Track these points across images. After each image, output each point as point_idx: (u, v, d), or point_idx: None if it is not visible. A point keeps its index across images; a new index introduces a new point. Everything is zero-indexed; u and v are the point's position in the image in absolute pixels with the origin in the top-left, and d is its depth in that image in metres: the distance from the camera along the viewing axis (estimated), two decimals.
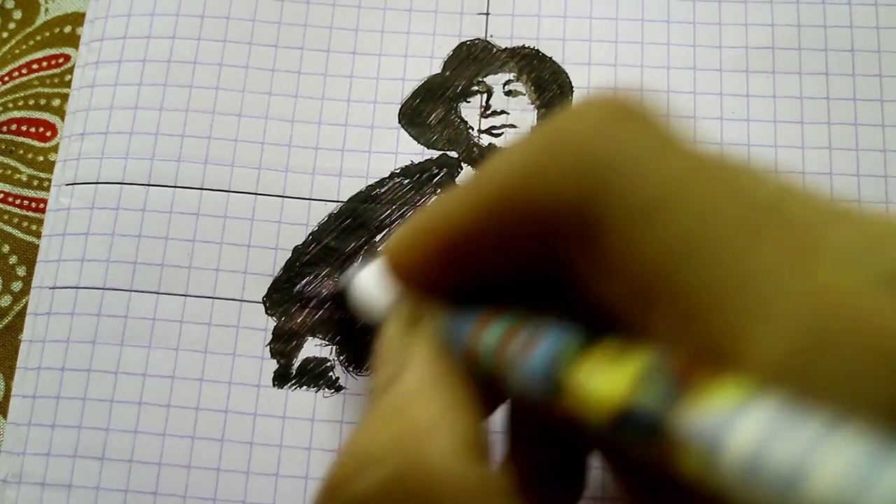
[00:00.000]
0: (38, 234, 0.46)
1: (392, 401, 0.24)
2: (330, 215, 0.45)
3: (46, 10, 0.50)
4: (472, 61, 0.47)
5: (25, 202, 0.47)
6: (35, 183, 0.47)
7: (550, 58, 0.46)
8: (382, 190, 0.45)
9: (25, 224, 0.46)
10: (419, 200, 0.45)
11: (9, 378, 0.44)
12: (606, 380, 0.19)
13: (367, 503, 0.22)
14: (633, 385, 0.19)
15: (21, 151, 0.48)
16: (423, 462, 0.22)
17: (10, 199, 0.47)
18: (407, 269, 0.27)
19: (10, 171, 0.47)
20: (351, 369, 0.43)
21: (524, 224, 0.23)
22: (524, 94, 0.46)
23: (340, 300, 0.42)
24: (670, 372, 0.18)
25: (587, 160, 0.21)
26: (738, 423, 0.16)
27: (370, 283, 0.34)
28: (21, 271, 0.46)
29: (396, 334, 0.27)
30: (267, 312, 0.44)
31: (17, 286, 0.46)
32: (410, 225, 0.26)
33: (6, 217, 0.47)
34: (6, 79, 0.49)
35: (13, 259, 0.46)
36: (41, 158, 0.47)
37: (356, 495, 0.22)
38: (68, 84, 0.48)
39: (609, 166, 0.21)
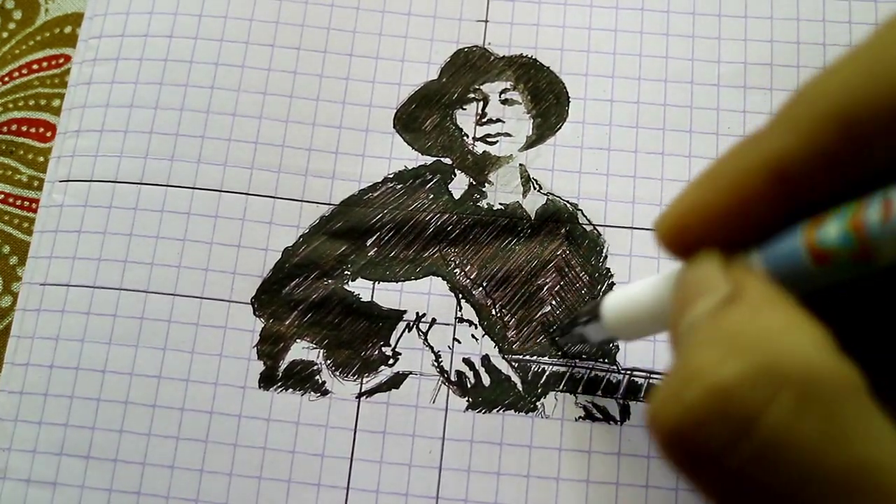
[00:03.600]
0: None
1: (740, 314, 0.24)
2: (321, 218, 0.45)
3: (46, 10, 0.50)
4: (469, 68, 0.47)
5: (26, 203, 0.47)
6: (35, 184, 0.47)
7: (548, 67, 0.46)
8: (375, 194, 0.45)
9: (26, 225, 0.46)
10: (411, 206, 0.45)
11: None
12: None
13: (738, 387, 0.22)
14: None
15: (21, 152, 0.48)
16: (798, 352, 0.22)
17: (11, 200, 0.47)
18: (709, 228, 0.27)
19: (10, 172, 0.47)
20: (338, 373, 0.43)
21: (888, 123, 0.24)
22: (520, 103, 0.46)
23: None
24: None
25: None
26: None
27: (631, 299, 0.33)
28: (22, 272, 0.46)
29: (714, 268, 0.27)
30: (255, 314, 0.44)
31: (17, 287, 0.45)
32: (706, 182, 0.27)
33: (6, 218, 0.47)
34: (6, 79, 0.49)
35: (13, 260, 0.46)
36: (41, 159, 0.47)
37: (726, 378, 0.22)
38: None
39: None
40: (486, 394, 0.42)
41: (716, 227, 0.27)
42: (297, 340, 0.43)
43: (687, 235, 0.28)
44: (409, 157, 0.45)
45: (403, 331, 0.43)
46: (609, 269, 0.44)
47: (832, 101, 0.24)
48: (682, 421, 0.23)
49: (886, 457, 0.22)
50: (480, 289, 0.44)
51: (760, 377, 0.22)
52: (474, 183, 0.45)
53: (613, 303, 0.35)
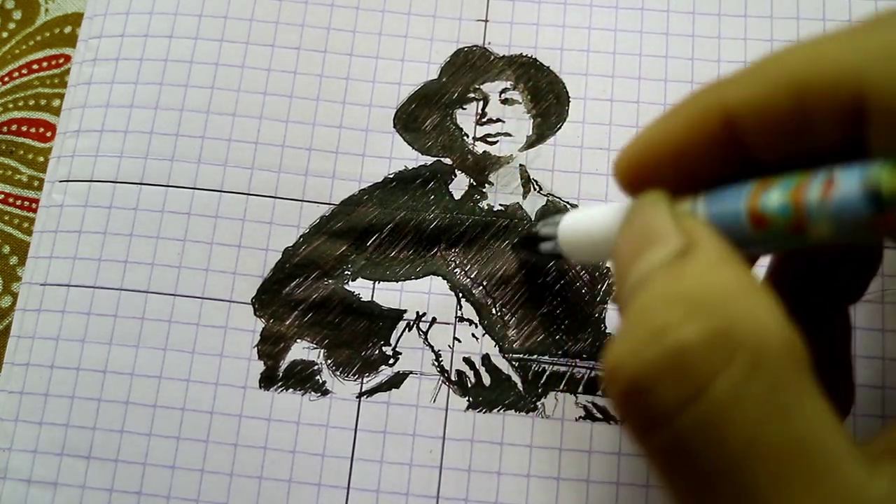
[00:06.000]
0: None
1: (696, 271, 0.25)
2: (322, 218, 0.45)
3: (46, 10, 0.50)
4: (469, 68, 0.47)
5: (26, 203, 0.47)
6: (35, 184, 0.47)
7: (548, 67, 0.46)
8: (375, 194, 0.45)
9: (26, 225, 0.46)
10: (411, 206, 0.45)
11: None
12: None
13: (691, 353, 0.23)
14: None
15: (21, 152, 0.48)
16: (752, 317, 0.23)
17: (11, 200, 0.47)
18: (660, 164, 0.28)
19: (10, 172, 0.47)
20: (338, 373, 0.43)
21: (835, 103, 0.25)
22: (520, 103, 0.46)
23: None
24: None
25: None
26: None
27: (586, 220, 0.34)
28: (22, 272, 0.46)
29: (665, 216, 0.27)
30: (255, 314, 0.44)
31: (17, 287, 0.45)
32: (665, 118, 0.28)
33: (7, 218, 0.47)
34: (6, 79, 0.49)
35: (13, 260, 0.46)
36: (41, 159, 0.47)
37: (685, 340, 0.23)
38: None
39: None
40: (486, 393, 0.42)
41: (669, 166, 0.28)
42: (298, 340, 0.43)
43: (642, 174, 0.28)
44: (409, 157, 0.45)
45: (403, 330, 0.43)
46: (609, 267, 0.44)
47: (793, 68, 0.25)
48: (638, 377, 0.23)
49: (820, 435, 0.22)
50: (481, 288, 0.44)
51: (717, 341, 0.22)
52: (474, 184, 0.45)
53: (569, 224, 0.35)
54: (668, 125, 0.28)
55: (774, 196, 0.25)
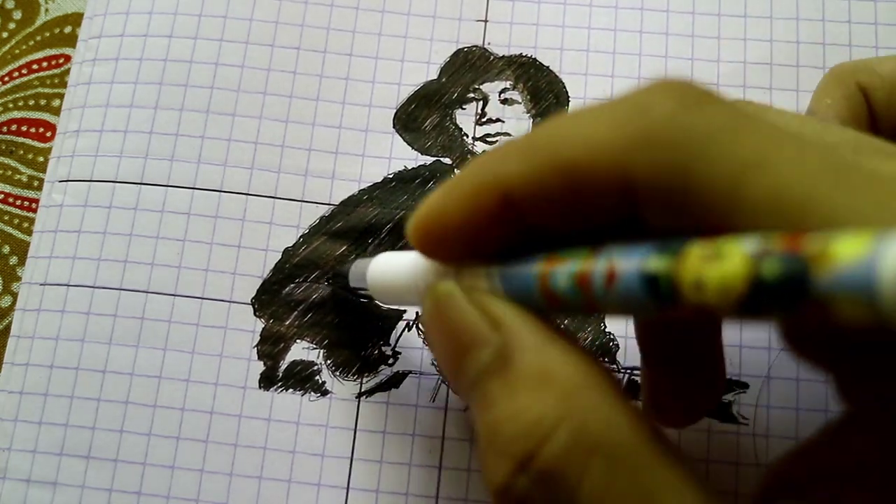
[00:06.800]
0: None
1: (526, 373, 0.25)
2: (321, 218, 0.45)
3: (46, 10, 0.50)
4: (468, 68, 0.47)
5: (26, 203, 0.47)
6: (35, 184, 0.47)
7: (547, 67, 0.46)
8: (375, 194, 0.45)
9: (26, 225, 0.46)
10: (411, 206, 0.45)
11: None
12: (721, 267, 0.20)
13: (556, 470, 0.23)
14: (752, 263, 0.19)
15: (21, 152, 0.48)
16: (597, 414, 0.24)
17: (11, 200, 0.47)
18: (448, 232, 0.28)
19: (10, 172, 0.47)
20: (338, 374, 0.43)
21: (603, 186, 0.25)
22: (520, 103, 0.46)
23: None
24: (780, 241, 0.19)
25: (678, 134, 0.23)
26: (883, 255, 0.17)
27: (390, 267, 0.35)
28: (21, 272, 0.46)
29: (469, 312, 0.27)
30: (255, 314, 0.44)
31: (17, 287, 0.45)
32: (447, 190, 0.28)
33: (6, 218, 0.47)
34: (6, 79, 0.49)
35: (13, 260, 0.46)
36: (41, 159, 0.47)
37: (545, 465, 0.24)
38: None
39: (700, 139, 0.23)
40: None
41: (457, 235, 0.28)
42: (298, 341, 0.43)
43: (434, 239, 0.29)
44: (408, 157, 0.45)
45: (403, 330, 0.43)
46: None
47: (562, 148, 0.25)
48: (520, 501, 0.24)
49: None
50: None
51: (573, 451, 0.23)
52: None
53: (376, 270, 0.36)
54: (448, 198, 0.28)
55: (562, 279, 0.25)
